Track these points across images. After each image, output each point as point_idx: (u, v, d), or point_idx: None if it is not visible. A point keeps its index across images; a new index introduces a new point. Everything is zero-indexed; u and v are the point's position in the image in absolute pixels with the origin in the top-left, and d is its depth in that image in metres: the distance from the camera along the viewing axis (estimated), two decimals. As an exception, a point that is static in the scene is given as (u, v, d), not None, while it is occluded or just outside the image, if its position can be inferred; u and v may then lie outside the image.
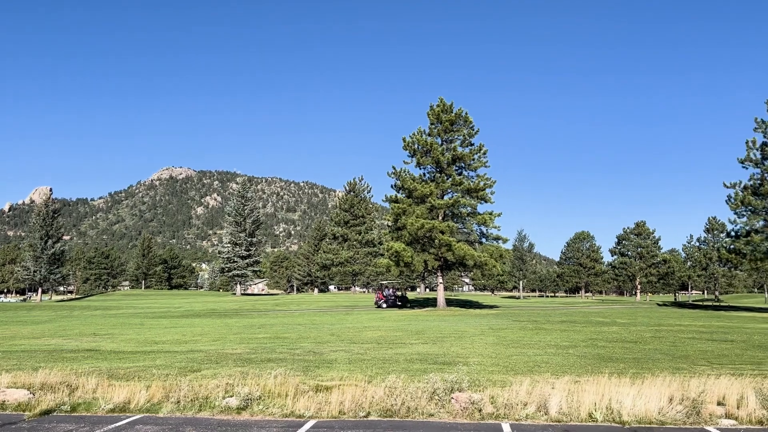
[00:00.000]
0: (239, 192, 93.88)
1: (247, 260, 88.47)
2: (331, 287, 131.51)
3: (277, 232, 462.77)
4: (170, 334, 22.92)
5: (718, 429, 8.17)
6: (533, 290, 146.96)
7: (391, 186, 45.33)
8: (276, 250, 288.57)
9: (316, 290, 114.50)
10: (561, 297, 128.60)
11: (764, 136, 43.91)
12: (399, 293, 52.45)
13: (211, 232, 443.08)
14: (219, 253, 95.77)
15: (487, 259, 41.90)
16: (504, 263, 52.18)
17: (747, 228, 44.52)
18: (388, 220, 48.17)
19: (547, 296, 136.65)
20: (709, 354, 15.70)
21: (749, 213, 44.08)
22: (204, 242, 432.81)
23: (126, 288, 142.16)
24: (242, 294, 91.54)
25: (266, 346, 17.77)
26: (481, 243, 45.35)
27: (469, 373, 11.72)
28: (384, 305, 48.12)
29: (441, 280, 45.62)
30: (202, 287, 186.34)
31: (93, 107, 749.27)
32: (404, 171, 44.77)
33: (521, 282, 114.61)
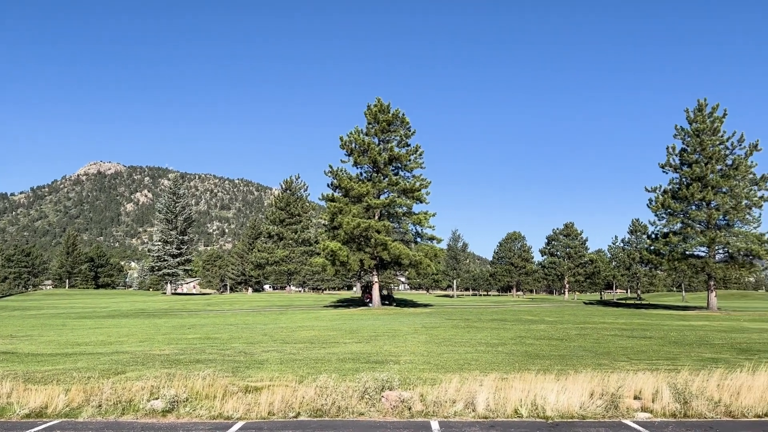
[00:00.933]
0: (171, 188, 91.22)
1: (179, 259, 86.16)
2: (266, 287, 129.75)
3: (211, 230, 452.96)
4: (94, 335, 22.02)
5: (634, 422, 8.56)
6: (467, 289, 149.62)
7: (328, 185, 45.20)
8: (209, 248, 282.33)
9: (250, 290, 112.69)
10: (493, 296, 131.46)
11: (683, 143, 46.30)
12: (385, 292, 53.24)
13: (141, 229, 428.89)
14: (149, 251, 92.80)
15: (422, 258, 42.42)
16: (438, 262, 53.04)
17: (666, 230, 46.82)
18: (325, 219, 48.01)
19: (480, 295, 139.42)
20: (629, 350, 16.42)
21: (668, 216, 46.37)
22: (134, 240, 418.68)
23: (48, 287, 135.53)
24: (173, 294, 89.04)
25: (196, 346, 17.35)
26: (416, 242, 45.88)
27: (400, 371, 11.83)
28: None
29: (376, 279, 45.83)
30: (130, 287, 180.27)
31: (14, 97, 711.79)
32: (341, 170, 44.72)
33: (455, 281, 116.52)
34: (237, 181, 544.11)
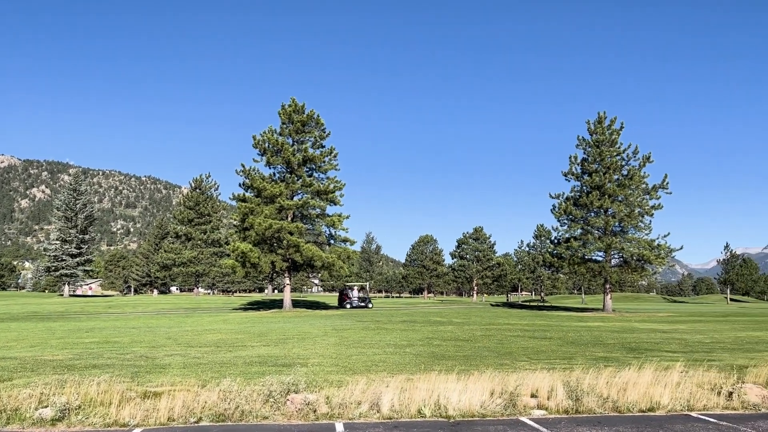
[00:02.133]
0: (71, 184, 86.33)
1: (78, 259, 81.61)
2: (173, 289, 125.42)
3: (115, 230, 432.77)
4: (-21, 341, 20.46)
5: (530, 419, 8.94)
6: (380, 291, 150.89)
7: (240, 184, 44.26)
8: (112, 248, 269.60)
9: (155, 292, 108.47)
10: (405, 297, 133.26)
11: (584, 153, 48.88)
12: (361, 294, 53.74)
13: (37, 227, 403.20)
14: (45, 250, 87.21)
15: (335, 261, 42.38)
16: (351, 264, 53.22)
17: (567, 235, 49.22)
18: (235, 220, 46.97)
19: (393, 297, 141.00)
20: (530, 350, 17.14)
21: (570, 222, 48.81)
22: (29, 238, 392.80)
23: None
24: (71, 295, 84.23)
25: (93, 351, 16.51)
26: (329, 244, 45.77)
27: (307, 374, 11.77)
28: (348, 306, 50.52)
29: (288, 282, 45.35)
30: (24, 288, 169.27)
31: None
32: (254, 169, 43.92)
33: (368, 283, 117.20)
34: (144, 179, 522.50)
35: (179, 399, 9.04)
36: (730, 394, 10.16)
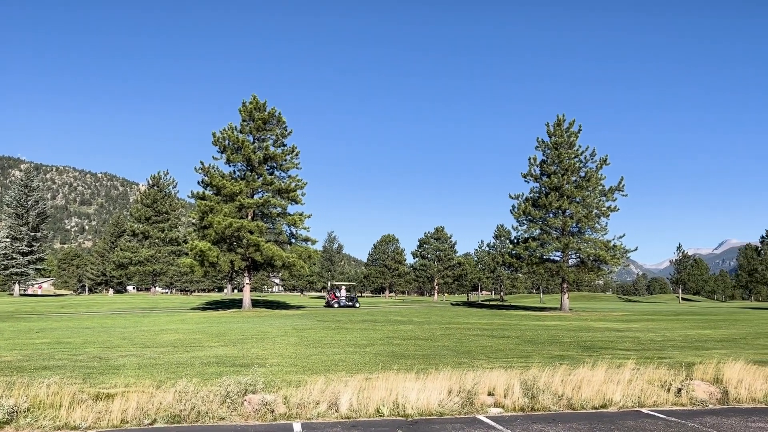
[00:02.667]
0: (23, 180, 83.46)
1: (29, 257, 79.01)
2: (130, 288, 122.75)
3: (69, 227, 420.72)
4: None
5: (486, 417, 9.06)
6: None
7: (199, 182, 43.55)
8: (66, 246, 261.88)
9: (111, 291, 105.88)
10: (367, 297, 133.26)
11: (543, 155, 49.71)
12: (349, 294, 54.03)
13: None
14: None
15: (296, 260, 42.07)
16: (313, 264, 52.95)
17: (526, 235, 50.01)
18: (194, 218, 46.22)
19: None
20: (488, 349, 17.35)
21: (529, 222, 49.59)
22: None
23: None
24: (21, 295, 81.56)
25: (44, 352, 16.02)
26: (290, 244, 45.40)
27: (266, 374, 11.68)
28: (336, 305, 50.54)
29: (248, 281, 44.85)
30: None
31: None
32: (213, 167, 43.28)
33: (330, 282, 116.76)
34: (100, 175, 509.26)
35: (133, 400, 8.85)
36: (679, 390, 10.48)
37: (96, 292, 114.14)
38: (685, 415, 9.39)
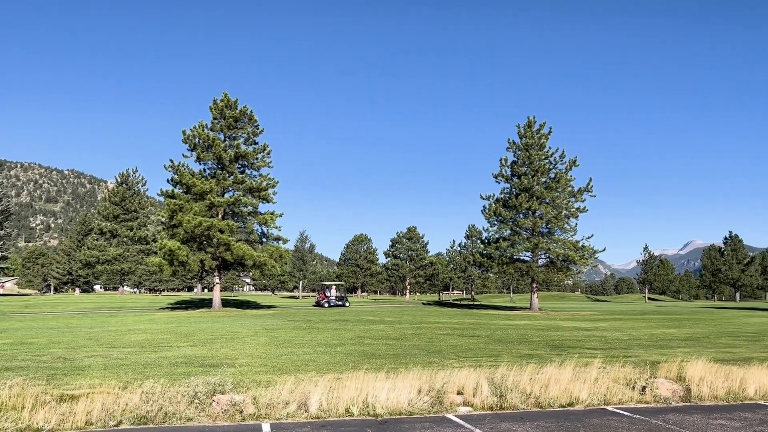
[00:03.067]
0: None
1: (-8, 256, 77.05)
2: (97, 287, 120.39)
3: (34, 225, 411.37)
4: None
5: (456, 416, 9.12)
6: (314, 290, 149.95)
7: (168, 180, 42.93)
8: (31, 244, 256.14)
9: (77, 290, 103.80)
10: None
11: (514, 156, 50.17)
12: (338, 293, 53.93)
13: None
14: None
15: (267, 260, 41.78)
16: (284, 263, 52.52)
17: (497, 236, 50.42)
18: (163, 216, 45.55)
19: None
20: (458, 348, 17.47)
21: (499, 222, 50.01)
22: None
23: None
24: (-17, 294, 79.35)
25: (5, 353, 15.65)
26: (261, 243, 45.06)
27: (235, 374, 11.59)
28: (326, 305, 50.47)
29: (218, 280, 44.40)
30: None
31: None
32: (183, 165, 42.71)
33: (301, 282, 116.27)
34: (66, 172, 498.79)
35: (98, 402, 8.70)
36: (644, 388, 10.70)
37: (62, 292, 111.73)
38: (649, 412, 9.59)
